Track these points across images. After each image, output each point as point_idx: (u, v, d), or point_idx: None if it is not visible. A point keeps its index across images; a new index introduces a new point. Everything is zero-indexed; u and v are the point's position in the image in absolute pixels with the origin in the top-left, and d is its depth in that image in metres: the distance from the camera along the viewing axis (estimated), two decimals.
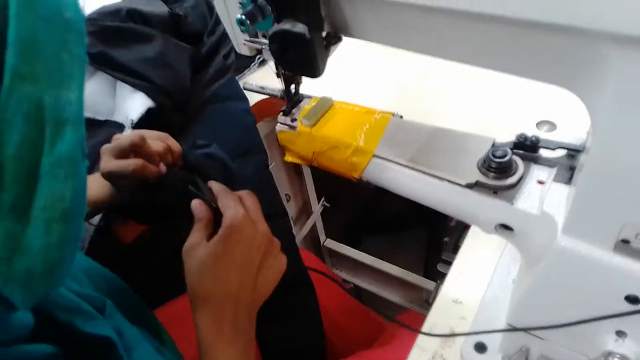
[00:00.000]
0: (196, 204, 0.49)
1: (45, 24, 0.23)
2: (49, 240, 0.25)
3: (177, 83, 0.76)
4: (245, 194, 0.51)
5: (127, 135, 0.52)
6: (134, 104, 0.71)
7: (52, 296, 0.38)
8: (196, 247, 0.45)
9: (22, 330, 0.33)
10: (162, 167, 0.53)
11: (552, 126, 0.81)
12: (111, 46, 0.71)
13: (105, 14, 0.73)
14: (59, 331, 0.37)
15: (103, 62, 0.71)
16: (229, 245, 0.46)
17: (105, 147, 0.52)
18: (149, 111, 0.72)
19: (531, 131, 0.63)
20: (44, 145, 0.24)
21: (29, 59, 0.22)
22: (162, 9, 0.82)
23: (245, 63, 1.08)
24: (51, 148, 0.24)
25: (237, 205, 0.48)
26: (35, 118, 0.23)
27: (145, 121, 0.71)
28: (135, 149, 0.52)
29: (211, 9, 0.88)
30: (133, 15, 0.75)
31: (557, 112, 0.81)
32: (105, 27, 0.71)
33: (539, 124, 0.81)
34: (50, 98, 0.24)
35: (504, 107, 0.85)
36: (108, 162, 0.51)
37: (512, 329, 0.45)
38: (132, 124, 0.70)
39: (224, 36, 0.88)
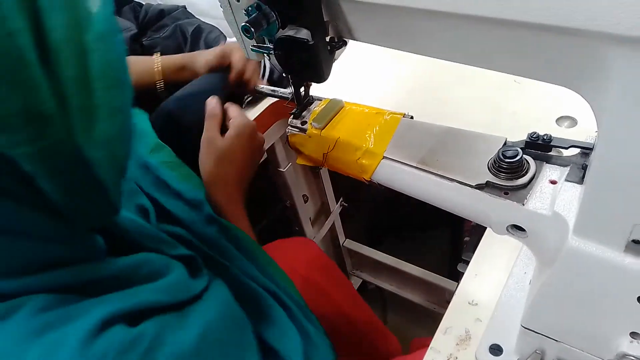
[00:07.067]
0: (213, 102, 0.64)
1: None
2: (113, 104, 0.29)
3: None
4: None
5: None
6: None
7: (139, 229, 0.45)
8: (214, 139, 0.61)
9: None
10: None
11: (573, 122, 0.79)
12: None
13: None
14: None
15: None
16: (238, 139, 0.62)
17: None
18: None
19: (550, 128, 0.62)
20: (82, 24, 0.27)
21: None
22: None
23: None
24: (88, 25, 0.28)
25: (243, 113, 0.66)
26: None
27: None
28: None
29: (186, 39, 0.89)
30: None
31: (578, 107, 0.79)
32: None
33: (559, 120, 0.80)
34: None
35: (523, 104, 0.83)
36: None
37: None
38: None
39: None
